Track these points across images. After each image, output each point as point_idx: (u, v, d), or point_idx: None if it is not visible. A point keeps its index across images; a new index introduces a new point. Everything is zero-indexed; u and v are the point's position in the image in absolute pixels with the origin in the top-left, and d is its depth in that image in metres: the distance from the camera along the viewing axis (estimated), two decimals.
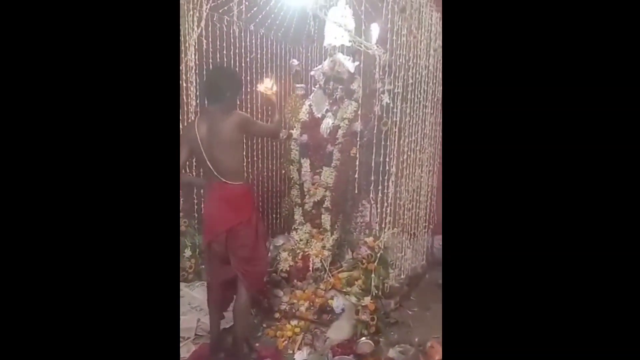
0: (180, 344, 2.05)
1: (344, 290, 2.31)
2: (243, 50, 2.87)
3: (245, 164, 2.67)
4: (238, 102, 2.00)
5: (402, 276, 2.45)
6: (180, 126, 2.62)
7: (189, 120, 2.63)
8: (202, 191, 2.57)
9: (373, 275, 2.14)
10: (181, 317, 2.16)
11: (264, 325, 2.21)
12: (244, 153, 2.74)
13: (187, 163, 2.36)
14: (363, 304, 2.11)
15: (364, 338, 2.03)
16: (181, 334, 2.09)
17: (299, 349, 2.04)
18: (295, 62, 3.07)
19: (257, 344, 2.07)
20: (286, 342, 2.09)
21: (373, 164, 2.28)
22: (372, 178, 2.29)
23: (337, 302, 2.24)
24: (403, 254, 2.51)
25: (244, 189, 1.90)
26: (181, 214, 2.61)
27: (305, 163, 2.68)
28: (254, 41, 2.95)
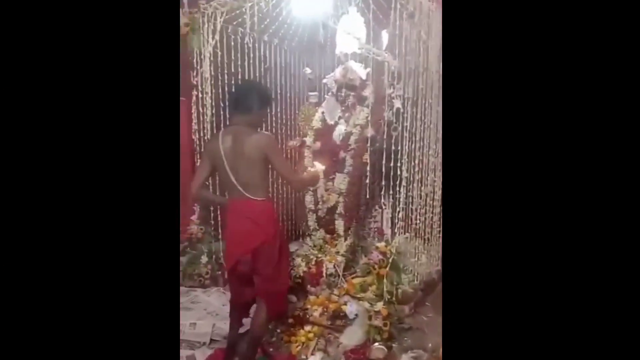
0: (196, 349, 2.10)
1: (358, 296, 2.31)
2: (257, 61, 2.93)
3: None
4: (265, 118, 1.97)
5: (416, 282, 2.43)
6: (194, 137, 2.73)
7: (204, 131, 2.71)
8: (219, 208, 2.63)
9: (385, 280, 2.14)
10: (197, 322, 2.21)
11: (278, 330, 2.23)
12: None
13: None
14: (376, 310, 2.12)
15: (377, 344, 2.03)
16: (197, 339, 2.14)
17: (312, 354, 2.06)
18: (308, 70, 3.13)
19: (271, 349, 2.10)
20: (300, 347, 2.11)
21: (384, 169, 2.29)
22: (384, 183, 2.30)
23: (351, 308, 2.24)
24: (417, 259, 2.49)
25: (267, 205, 1.83)
26: (197, 221, 2.68)
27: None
28: (267, 51, 3.01)
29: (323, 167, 2.20)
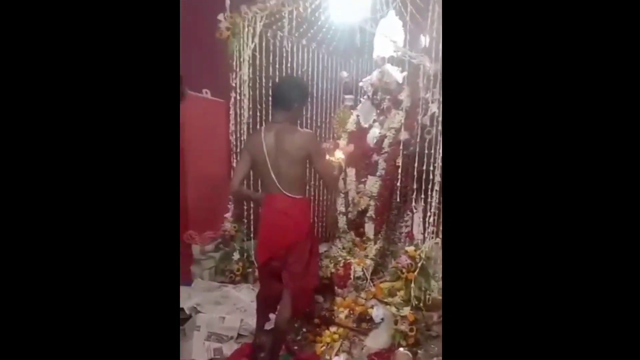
0: (223, 342, 2.15)
1: (385, 300, 2.28)
2: (295, 64, 2.99)
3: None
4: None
5: None
6: (231, 138, 2.81)
7: (241, 132, 2.79)
8: (253, 204, 2.69)
9: (413, 285, 2.10)
10: (226, 317, 2.26)
11: (304, 329, 2.24)
12: None
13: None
14: (402, 314, 2.08)
15: (402, 348, 1.99)
16: (225, 333, 2.19)
17: (336, 354, 2.05)
18: (344, 74, 3.15)
19: (295, 347, 2.11)
20: (324, 347, 2.11)
21: (416, 173, 2.26)
22: (415, 187, 2.27)
23: (377, 312, 2.22)
24: None
25: (304, 203, 1.87)
26: (231, 219, 2.75)
27: (351, 172, 2.71)
28: (305, 55, 3.06)
29: (343, 157, 2.24)
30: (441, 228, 2.32)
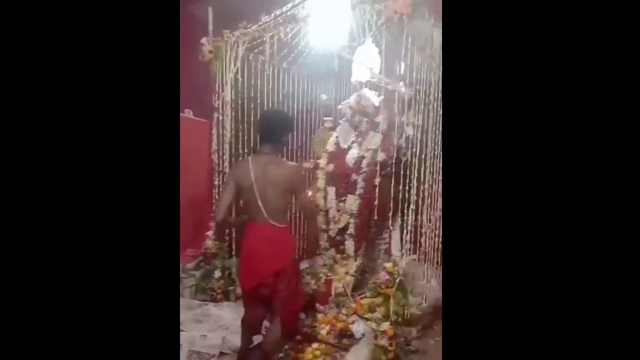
0: None
1: (366, 316, 2.35)
2: (276, 87, 3.09)
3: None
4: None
5: (424, 304, 2.46)
6: (213, 157, 2.86)
7: (223, 151, 2.85)
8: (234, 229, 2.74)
9: (392, 300, 2.18)
10: (208, 335, 2.27)
11: (286, 346, 2.27)
12: None
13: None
14: (382, 329, 2.15)
15: None
16: (206, 351, 2.20)
17: None
18: (324, 96, 3.27)
19: None
20: None
21: (392, 192, 2.37)
22: (392, 205, 2.38)
23: (358, 327, 2.28)
24: (426, 281, 2.53)
25: (287, 231, 1.93)
26: (213, 237, 2.78)
27: (331, 191, 2.80)
28: (286, 78, 3.17)
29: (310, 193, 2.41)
30: (421, 246, 2.43)
